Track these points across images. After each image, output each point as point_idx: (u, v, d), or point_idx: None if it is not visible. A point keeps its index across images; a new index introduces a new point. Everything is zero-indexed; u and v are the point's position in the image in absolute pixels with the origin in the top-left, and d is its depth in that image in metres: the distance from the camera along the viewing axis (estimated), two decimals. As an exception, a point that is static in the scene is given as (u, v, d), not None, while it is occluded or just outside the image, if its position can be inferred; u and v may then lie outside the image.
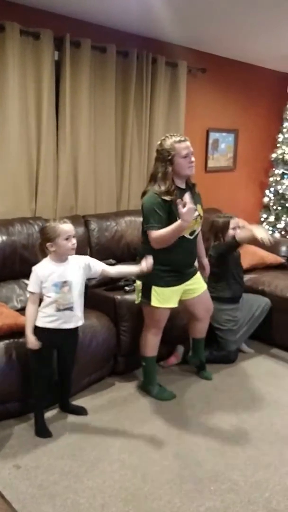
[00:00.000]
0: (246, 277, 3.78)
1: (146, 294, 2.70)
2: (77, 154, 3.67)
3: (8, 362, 2.47)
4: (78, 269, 2.45)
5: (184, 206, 2.37)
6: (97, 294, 3.18)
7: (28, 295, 2.45)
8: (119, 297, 3.06)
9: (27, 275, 2.64)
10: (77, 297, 2.44)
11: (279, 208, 5.22)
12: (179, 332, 3.18)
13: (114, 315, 3.03)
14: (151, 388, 2.89)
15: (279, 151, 5.21)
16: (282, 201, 5.18)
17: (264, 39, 4.05)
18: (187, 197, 2.42)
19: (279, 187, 5.18)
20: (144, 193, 2.67)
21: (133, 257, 3.64)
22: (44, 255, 2.43)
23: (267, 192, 5.33)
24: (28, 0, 3.17)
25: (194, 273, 2.85)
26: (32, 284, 2.39)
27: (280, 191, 5.16)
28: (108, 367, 3.04)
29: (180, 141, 2.56)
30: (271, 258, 4.18)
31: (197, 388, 3.01)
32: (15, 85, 3.20)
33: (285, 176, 5.17)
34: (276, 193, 5.23)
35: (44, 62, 3.30)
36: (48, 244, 2.36)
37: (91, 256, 3.52)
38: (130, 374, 3.15)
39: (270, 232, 5.20)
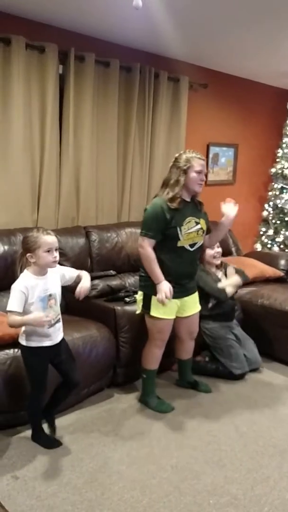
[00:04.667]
0: (246, 290, 3.81)
1: (146, 304, 2.74)
2: (79, 166, 3.71)
3: (6, 373, 2.46)
4: (58, 279, 2.37)
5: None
6: (97, 305, 3.18)
7: (8, 314, 2.21)
8: (119, 308, 3.06)
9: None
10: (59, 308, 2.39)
11: (278, 222, 5.26)
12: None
13: (114, 326, 3.04)
14: (150, 400, 2.89)
15: (279, 166, 5.26)
16: (281, 215, 5.23)
17: (264, 56, 4.14)
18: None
19: (278, 201, 5.23)
20: (155, 196, 2.77)
21: (133, 268, 3.68)
22: (22, 266, 2.29)
23: (266, 206, 5.38)
24: (34, 14, 3.23)
25: (193, 291, 2.89)
26: (15, 302, 2.18)
27: (279, 205, 5.21)
28: (107, 378, 3.04)
29: (199, 158, 2.70)
30: (270, 271, 4.20)
31: (196, 401, 3.00)
32: (19, 98, 3.24)
33: (284, 191, 5.22)
34: (275, 207, 5.28)
35: (48, 75, 3.36)
36: (28, 255, 2.23)
37: (92, 267, 3.57)
38: (129, 385, 3.14)
39: (269, 246, 5.25)
